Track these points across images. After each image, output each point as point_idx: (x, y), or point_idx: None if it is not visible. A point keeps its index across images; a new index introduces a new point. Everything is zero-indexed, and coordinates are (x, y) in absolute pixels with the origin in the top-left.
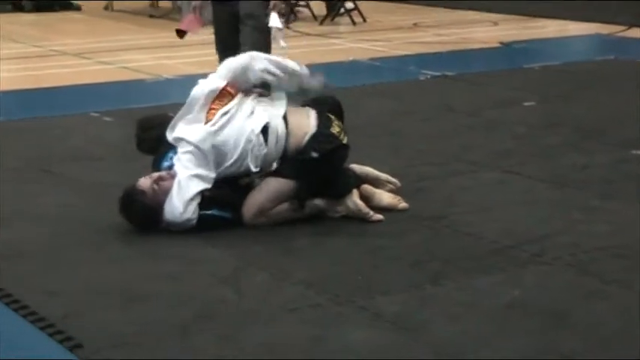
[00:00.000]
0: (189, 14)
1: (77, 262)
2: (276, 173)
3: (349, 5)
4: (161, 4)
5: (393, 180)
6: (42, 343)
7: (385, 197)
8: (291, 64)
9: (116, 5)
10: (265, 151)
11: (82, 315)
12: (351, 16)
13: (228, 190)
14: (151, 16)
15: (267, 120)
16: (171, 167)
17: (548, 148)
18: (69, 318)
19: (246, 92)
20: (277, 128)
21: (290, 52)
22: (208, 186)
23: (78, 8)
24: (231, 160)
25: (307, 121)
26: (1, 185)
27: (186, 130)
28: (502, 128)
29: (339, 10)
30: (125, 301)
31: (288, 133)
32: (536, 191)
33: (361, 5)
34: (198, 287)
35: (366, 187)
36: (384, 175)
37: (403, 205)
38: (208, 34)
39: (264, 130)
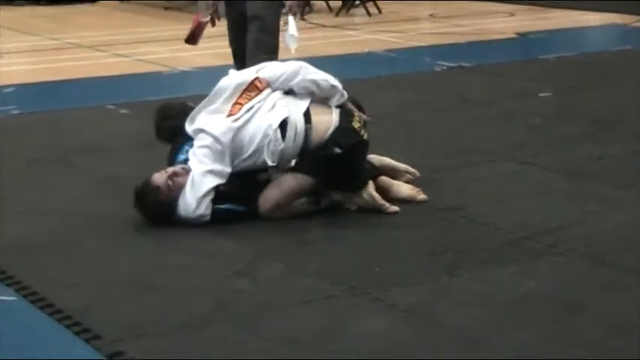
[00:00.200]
0: (197, 16)
1: (94, 254)
2: (295, 169)
3: None
4: None
5: (412, 170)
6: (60, 335)
7: (404, 189)
8: (334, 80)
9: None
10: (282, 146)
11: (100, 306)
12: (366, 8)
13: (244, 184)
14: (166, 9)
15: (286, 115)
16: (186, 161)
17: (564, 139)
18: (86, 310)
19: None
20: (296, 124)
21: (305, 44)
22: (223, 181)
23: (93, 0)
24: (247, 154)
25: (330, 117)
26: (18, 177)
27: (208, 120)
28: (518, 119)
29: (354, 1)
30: (142, 292)
31: (310, 129)
32: (551, 182)
33: None
34: (214, 278)
35: (384, 178)
36: (402, 166)
37: (422, 196)
38: (225, 26)
39: (283, 125)
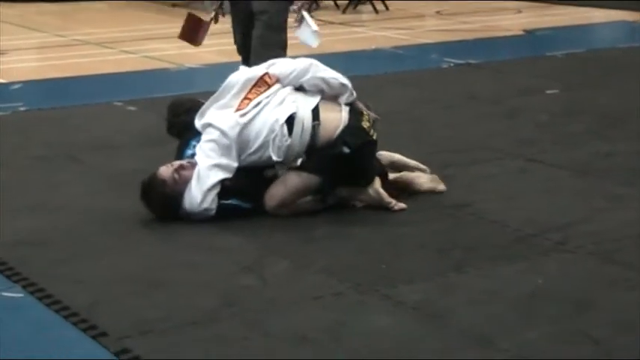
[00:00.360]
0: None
1: (101, 251)
2: (302, 168)
3: None
4: None
5: (423, 167)
6: (66, 331)
7: (424, 181)
8: (343, 79)
9: None
10: (288, 142)
11: (107, 303)
12: (373, 5)
13: (250, 180)
14: (174, 5)
15: (294, 111)
16: (193, 155)
17: (571, 136)
18: (93, 306)
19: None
20: (304, 120)
21: None
22: (229, 175)
23: None
24: (253, 149)
25: (339, 115)
26: (27, 173)
27: (216, 115)
28: (525, 116)
29: None
30: (149, 289)
31: (318, 126)
32: (559, 179)
33: None
34: (221, 275)
35: (406, 173)
36: (413, 162)
37: (442, 187)
38: (230, 22)
39: (290, 121)
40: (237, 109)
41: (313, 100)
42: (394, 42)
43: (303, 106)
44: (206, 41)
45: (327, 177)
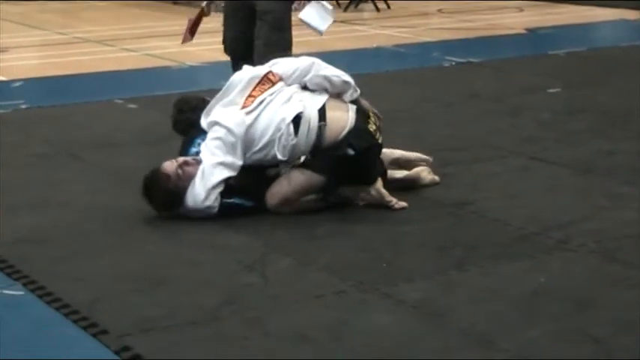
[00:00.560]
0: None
1: (102, 248)
2: (306, 166)
3: None
4: None
5: (425, 157)
6: (67, 329)
7: (426, 175)
8: (348, 77)
9: None
10: (294, 142)
11: (108, 301)
12: (374, 3)
13: (253, 179)
14: (175, 3)
15: (300, 110)
16: (198, 153)
17: (574, 135)
18: (94, 304)
19: None
20: (310, 119)
21: (313, 39)
22: (233, 174)
23: None
24: (258, 147)
25: (346, 116)
26: (28, 171)
27: (222, 113)
28: (527, 114)
29: None
30: (150, 286)
31: (324, 127)
32: (561, 178)
33: None
34: (223, 272)
35: (410, 172)
36: (414, 155)
37: (437, 178)
38: None
39: (297, 121)
40: (243, 107)
41: (320, 100)
42: (396, 40)
43: (310, 105)
44: (207, 39)
45: (331, 177)
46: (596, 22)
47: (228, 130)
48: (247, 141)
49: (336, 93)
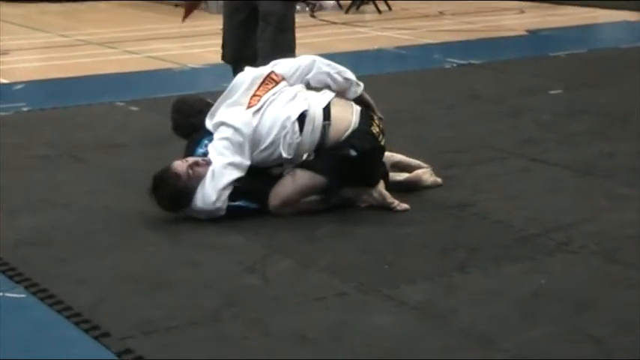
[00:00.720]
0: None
1: (103, 250)
2: (308, 167)
3: None
4: None
5: (425, 165)
6: (69, 332)
7: (428, 177)
8: (349, 74)
9: None
10: (299, 140)
11: (110, 303)
12: (376, 5)
13: (258, 182)
14: (177, 5)
15: (305, 108)
16: (205, 154)
17: (574, 136)
18: (96, 306)
19: None
20: (315, 118)
21: (315, 41)
22: (242, 174)
23: None
24: (263, 146)
25: (350, 116)
26: (30, 173)
27: (227, 113)
28: (528, 116)
29: None
30: (152, 288)
31: (328, 126)
32: (562, 179)
33: None
34: (224, 274)
35: (412, 174)
36: (415, 161)
37: (440, 180)
38: None
39: (302, 119)
40: (249, 106)
41: (325, 99)
42: (397, 42)
43: (315, 104)
44: (209, 41)
45: (332, 178)
46: (597, 24)
47: (236, 129)
48: (254, 140)
49: (339, 90)
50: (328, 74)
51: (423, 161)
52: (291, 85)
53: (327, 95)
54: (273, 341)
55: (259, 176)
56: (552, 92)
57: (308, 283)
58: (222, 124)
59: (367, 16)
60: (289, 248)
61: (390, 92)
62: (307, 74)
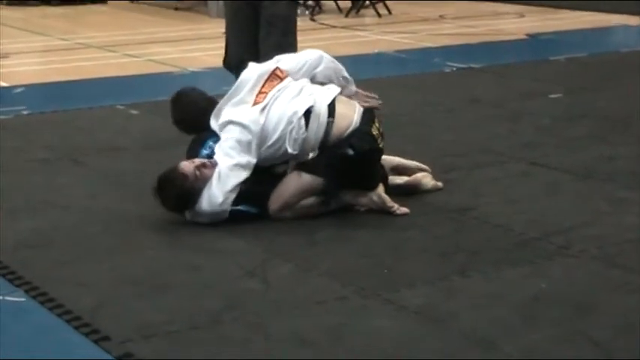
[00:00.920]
0: None
1: (104, 253)
2: (306, 168)
3: None
4: None
5: (424, 167)
6: (69, 336)
7: (428, 180)
8: (345, 73)
9: None
10: (305, 135)
11: (110, 307)
12: (376, 8)
13: (259, 184)
14: (177, 9)
15: (311, 104)
16: (209, 156)
17: (574, 140)
18: (96, 310)
19: None
20: (320, 114)
21: (315, 45)
22: (248, 174)
23: (104, 0)
24: (270, 142)
25: (352, 115)
26: (30, 176)
27: (234, 112)
28: (528, 120)
29: (364, 2)
30: (152, 292)
31: (332, 123)
32: (562, 183)
33: None
34: (224, 277)
35: (411, 178)
36: (413, 164)
37: (440, 183)
38: None
39: (307, 115)
40: (255, 103)
41: (330, 95)
42: (397, 46)
43: (320, 100)
44: (209, 44)
45: (330, 178)
46: (597, 28)
47: (244, 127)
48: (262, 137)
49: (340, 87)
50: (335, 69)
51: (423, 164)
52: (297, 79)
53: (332, 91)
54: (273, 345)
55: (261, 177)
56: (552, 96)
57: (308, 287)
58: (230, 122)
59: (367, 20)
60: (289, 252)
61: (390, 96)
62: (316, 67)
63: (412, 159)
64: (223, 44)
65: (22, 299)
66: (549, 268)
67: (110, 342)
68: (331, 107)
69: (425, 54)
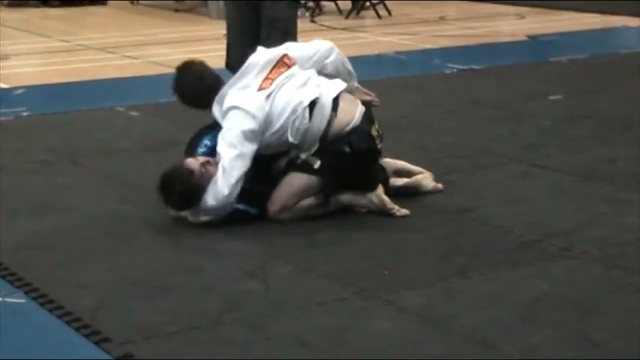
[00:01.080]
0: None
1: (104, 254)
2: (303, 168)
3: None
4: None
5: (426, 172)
6: (69, 337)
7: (429, 182)
8: (351, 67)
9: None
10: (307, 126)
11: (110, 308)
12: (376, 10)
13: (259, 183)
14: (177, 10)
15: (317, 95)
16: (205, 154)
17: (575, 142)
18: (96, 311)
19: None
20: (324, 107)
21: None
22: (249, 163)
23: (104, 2)
24: (274, 129)
25: (355, 112)
26: (30, 177)
27: (239, 97)
28: (528, 121)
29: (364, 3)
30: (152, 293)
31: (334, 117)
32: (563, 184)
33: None
34: (225, 279)
35: (412, 179)
36: (416, 168)
37: (440, 185)
38: None
39: (312, 106)
40: (261, 89)
41: (336, 89)
42: (397, 47)
43: (327, 93)
44: (210, 46)
45: (327, 177)
46: (598, 29)
47: (248, 112)
48: (266, 123)
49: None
50: (343, 61)
51: (424, 167)
52: (305, 69)
53: (338, 85)
54: (273, 346)
55: (259, 180)
56: (553, 97)
57: (308, 289)
58: (235, 107)
59: (367, 22)
60: (290, 254)
61: (391, 97)
62: (327, 58)
63: (412, 161)
64: (224, 46)
65: (22, 300)
66: (550, 269)
67: (110, 343)
68: (335, 102)
69: (425, 55)
